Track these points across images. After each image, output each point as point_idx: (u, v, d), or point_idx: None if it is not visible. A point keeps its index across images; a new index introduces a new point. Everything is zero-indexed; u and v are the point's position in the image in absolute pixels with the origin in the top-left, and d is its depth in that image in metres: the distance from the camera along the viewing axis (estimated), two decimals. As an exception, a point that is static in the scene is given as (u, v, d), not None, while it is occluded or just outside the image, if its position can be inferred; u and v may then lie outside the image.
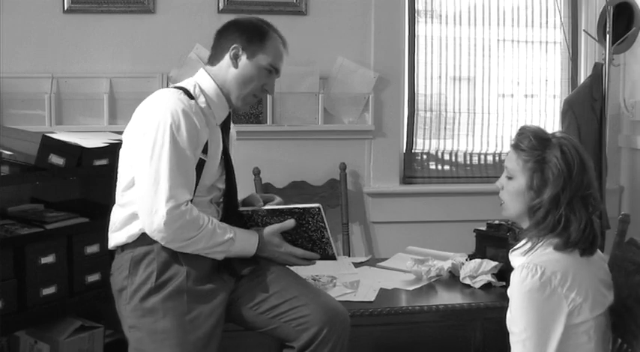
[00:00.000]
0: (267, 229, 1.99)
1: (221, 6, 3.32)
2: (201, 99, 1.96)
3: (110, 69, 3.26)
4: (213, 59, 2.03)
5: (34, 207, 2.54)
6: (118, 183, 1.97)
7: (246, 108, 2.12)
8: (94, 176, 2.57)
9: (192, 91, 1.95)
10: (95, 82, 3.24)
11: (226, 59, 2.00)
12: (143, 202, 1.84)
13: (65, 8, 3.21)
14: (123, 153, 1.96)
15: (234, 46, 1.98)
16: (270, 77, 2.03)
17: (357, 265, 2.62)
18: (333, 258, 2.03)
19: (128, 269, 1.90)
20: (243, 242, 1.94)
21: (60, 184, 2.70)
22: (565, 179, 1.71)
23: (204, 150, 1.92)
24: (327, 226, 1.96)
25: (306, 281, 2.10)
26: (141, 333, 1.88)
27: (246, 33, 1.99)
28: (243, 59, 1.98)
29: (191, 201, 1.88)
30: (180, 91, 1.92)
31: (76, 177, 2.69)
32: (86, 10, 3.22)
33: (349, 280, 2.37)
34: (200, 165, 1.92)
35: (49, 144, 2.33)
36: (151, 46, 3.29)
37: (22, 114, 3.18)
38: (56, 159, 2.33)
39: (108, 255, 2.03)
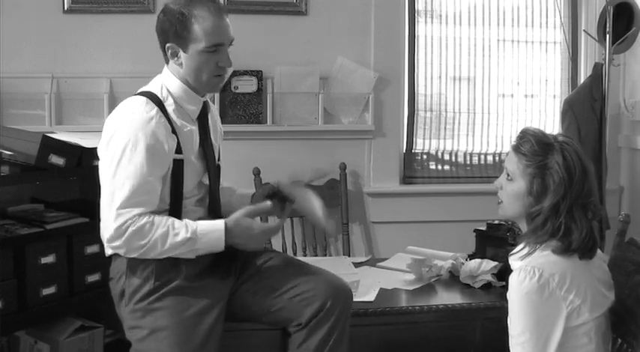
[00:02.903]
0: (234, 214, 1.90)
1: (221, 6, 3.32)
2: (169, 102, 1.96)
3: (110, 69, 3.25)
4: (165, 58, 2.02)
5: (34, 207, 2.54)
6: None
7: (217, 89, 2.16)
8: (94, 176, 2.55)
9: (159, 94, 1.95)
10: (95, 82, 3.23)
11: (171, 59, 1.98)
12: (102, 218, 1.88)
13: (65, 8, 3.20)
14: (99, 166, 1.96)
15: (167, 46, 1.96)
16: (218, 53, 1.94)
17: (357, 265, 2.62)
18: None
19: (126, 273, 1.91)
20: (206, 236, 1.86)
21: (60, 184, 2.69)
22: (566, 186, 1.69)
23: (179, 151, 1.92)
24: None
25: (308, 263, 2.13)
26: (141, 334, 1.88)
27: (170, 28, 1.93)
28: (182, 54, 1.95)
29: (163, 211, 1.89)
30: (145, 100, 1.91)
31: (76, 177, 2.69)
32: (86, 10, 3.22)
33: (349, 280, 2.37)
34: (179, 166, 1.92)
35: (49, 144, 2.33)
36: (151, 46, 3.24)
37: (22, 114, 3.18)
38: (56, 159, 2.34)
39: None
